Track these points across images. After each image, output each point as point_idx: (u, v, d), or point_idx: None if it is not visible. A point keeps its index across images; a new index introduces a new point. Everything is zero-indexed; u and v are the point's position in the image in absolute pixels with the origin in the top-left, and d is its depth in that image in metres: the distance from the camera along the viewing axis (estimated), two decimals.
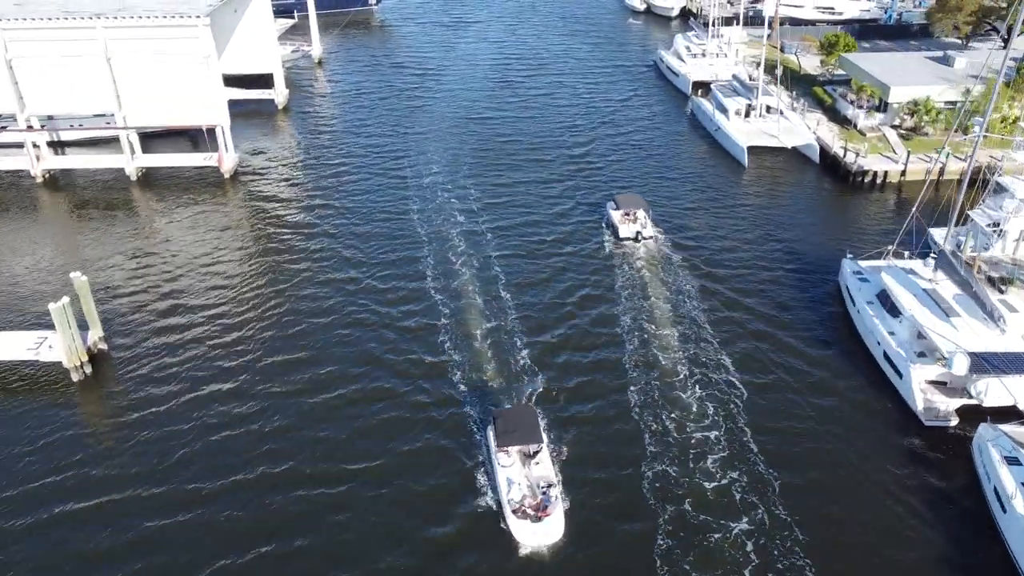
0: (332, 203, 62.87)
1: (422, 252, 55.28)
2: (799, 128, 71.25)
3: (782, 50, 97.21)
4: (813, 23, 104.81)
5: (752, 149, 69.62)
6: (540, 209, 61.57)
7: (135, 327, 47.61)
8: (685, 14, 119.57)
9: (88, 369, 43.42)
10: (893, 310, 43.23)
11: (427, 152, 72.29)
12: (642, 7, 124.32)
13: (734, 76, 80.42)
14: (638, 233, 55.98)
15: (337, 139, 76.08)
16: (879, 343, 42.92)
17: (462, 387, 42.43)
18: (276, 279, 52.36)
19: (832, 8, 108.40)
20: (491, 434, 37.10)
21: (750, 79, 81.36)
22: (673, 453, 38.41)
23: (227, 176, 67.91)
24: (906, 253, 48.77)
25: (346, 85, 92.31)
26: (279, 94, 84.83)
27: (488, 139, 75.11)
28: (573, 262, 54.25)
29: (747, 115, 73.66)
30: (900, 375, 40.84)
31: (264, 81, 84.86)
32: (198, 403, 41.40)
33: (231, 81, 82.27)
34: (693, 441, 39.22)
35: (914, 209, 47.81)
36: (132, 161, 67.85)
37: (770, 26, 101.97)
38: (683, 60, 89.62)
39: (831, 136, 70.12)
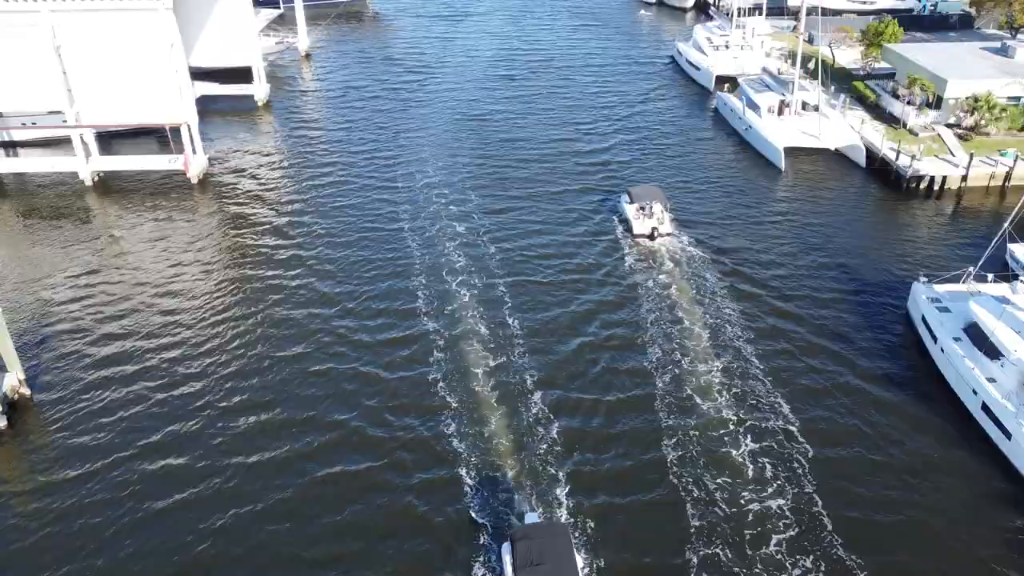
0: (313, 218, 54.67)
1: (414, 280, 47.07)
2: (841, 127, 63.18)
3: (811, 41, 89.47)
4: (839, 13, 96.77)
5: (789, 151, 61.68)
6: (550, 224, 53.33)
7: (68, 369, 39.39)
8: (700, 6, 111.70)
9: (3, 422, 35.38)
10: (992, 351, 35.21)
11: (422, 158, 64.09)
12: None
13: (763, 69, 72.48)
14: (654, 230, 49.60)
15: (322, 141, 68.01)
16: (975, 392, 34.93)
17: (460, 450, 34.45)
18: (242, 314, 44.06)
19: None
20: (508, 564, 27.67)
21: (779, 72, 73.49)
22: (726, 533, 30.46)
23: (195, 182, 59.81)
24: (990, 276, 40.85)
25: (334, 81, 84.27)
26: (259, 90, 76.81)
27: (490, 143, 66.86)
28: (590, 283, 46.21)
29: (780, 112, 65.64)
30: (1008, 435, 32.83)
31: (243, 75, 76.79)
32: (136, 476, 33.05)
33: (204, 75, 74.52)
34: (751, 517, 31.28)
35: (1007, 224, 39.94)
36: (87, 164, 59.74)
37: (797, 16, 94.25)
38: (704, 53, 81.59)
39: (878, 136, 62.12)
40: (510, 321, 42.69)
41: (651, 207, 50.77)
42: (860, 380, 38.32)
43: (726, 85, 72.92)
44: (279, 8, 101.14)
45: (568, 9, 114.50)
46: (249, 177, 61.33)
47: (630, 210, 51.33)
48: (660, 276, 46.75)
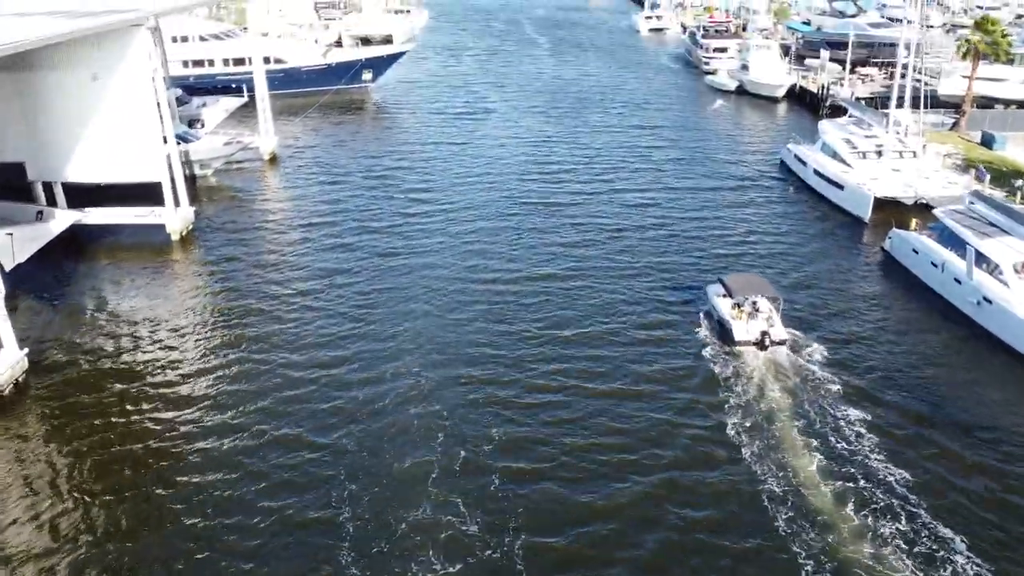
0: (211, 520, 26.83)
1: None
2: None
3: (988, 144, 62.62)
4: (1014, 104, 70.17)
5: None
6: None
7: None
8: (795, 95, 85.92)
9: None
10: None
11: (409, 396, 33.88)
12: (732, 86, 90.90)
13: (974, 195, 44.57)
14: (764, 335, 34.79)
15: (243, 334, 39.59)
16: None
17: None
18: None
19: None
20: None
21: (986, 194, 45.71)
22: None
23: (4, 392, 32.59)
24: None
25: (297, 208, 57.26)
26: (174, 218, 50.49)
27: (520, 358, 36.44)
28: None
29: None
30: None
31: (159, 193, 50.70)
32: None
33: (97, 193, 50.30)
34: None
35: None
36: None
37: (959, 109, 67.77)
38: (847, 163, 54.46)
39: None
40: None
41: (755, 303, 36.29)
42: None
43: (916, 222, 44.82)
44: (243, 96, 76.03)
45: (623, 103, 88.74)
46: (91, 415, 33.35)
47: (724, 307, 36.78)
48: None
